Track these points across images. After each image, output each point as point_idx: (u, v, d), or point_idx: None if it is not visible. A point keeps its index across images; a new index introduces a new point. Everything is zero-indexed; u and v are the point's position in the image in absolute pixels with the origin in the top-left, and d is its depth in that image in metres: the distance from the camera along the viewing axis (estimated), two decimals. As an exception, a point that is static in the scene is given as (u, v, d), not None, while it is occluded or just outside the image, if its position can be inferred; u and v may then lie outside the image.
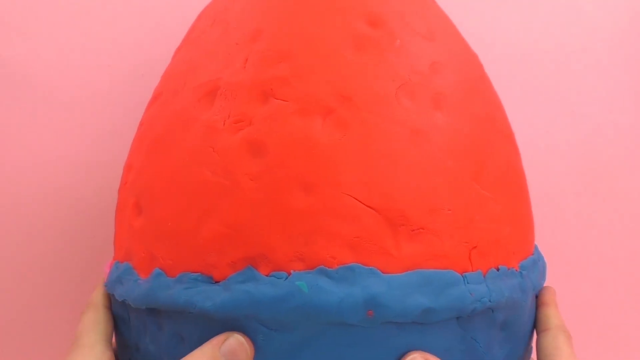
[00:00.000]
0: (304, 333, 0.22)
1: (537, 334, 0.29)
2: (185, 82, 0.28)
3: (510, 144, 0.29)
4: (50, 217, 0.43)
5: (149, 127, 0.29)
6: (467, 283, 0.23)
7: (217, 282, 0.23)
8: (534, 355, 0.31)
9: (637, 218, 0.48)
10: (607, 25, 0.46)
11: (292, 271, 0.22)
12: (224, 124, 0.25)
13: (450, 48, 0.28)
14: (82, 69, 0.42)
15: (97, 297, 0.29)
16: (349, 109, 0.24)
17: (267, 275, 0.22)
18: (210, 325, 0.24)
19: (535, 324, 0.29)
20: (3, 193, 0.42)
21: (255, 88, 0.25)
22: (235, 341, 0.23)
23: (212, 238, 0.23)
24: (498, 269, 0.25)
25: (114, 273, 0.28)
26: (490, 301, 0.24)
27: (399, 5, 0.27)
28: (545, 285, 0.30)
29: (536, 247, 0.31)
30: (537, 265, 0.29)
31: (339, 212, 0.23)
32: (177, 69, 0.30)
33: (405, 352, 0.23)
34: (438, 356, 0.24)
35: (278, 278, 0.22)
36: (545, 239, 0.36)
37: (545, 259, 0.32)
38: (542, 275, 0.30)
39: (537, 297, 0.30)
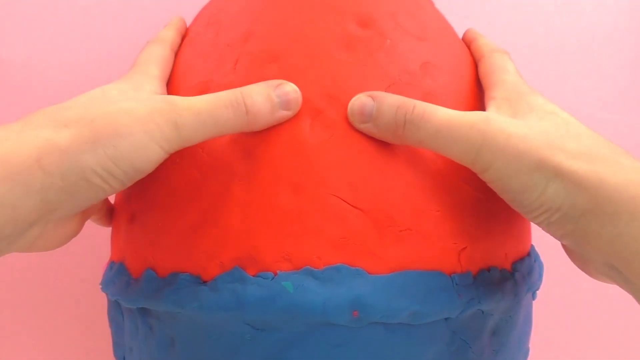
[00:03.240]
0: (290, 333, 0.23)
1: (478, 64, 0.29)
2: (180, 83, 0.28)
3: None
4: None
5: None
6: (456, 284, 0.23)
7: (205, 282, 0.23)
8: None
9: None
10: (607, 25, 0.45)
11: (278, 271, 0.22)
12: (213, 125, 0.25)
13: (444, 48, 0.28)
14: (81, 69, 0.42)
15: (168, 34, 0.29)
16: (337, 110, 0.24)
17: (254, 276, 0.22)
18: (199, 328, 0.24)
19: (474, 59, 0.30)
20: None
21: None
22: (291, 88, 0.23)
23: (200, 239, 0.24)
24: (489, 270, 0.25)
25: (108, 273, 0.28)
26: (480, 302, 0.24)
27: (391, 5, 0.27)
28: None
29: (533, 248, 0.30)
30: (532, 266, 0.28)
31: (325, 212, 0.23)
32: (173, 70, 0.30)
33: (393, 354, 0.23)
34: (427, 358, 0.24)
35: (264, 278, 0.22)
36: (544, 240, 0.36)
37: (544, 260, 0.32)
38: (539, 276, 0.29)
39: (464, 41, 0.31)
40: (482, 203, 0.25)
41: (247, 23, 0.27)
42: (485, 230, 0.25)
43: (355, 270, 0.22)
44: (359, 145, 0.23)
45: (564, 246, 0.25)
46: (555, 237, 0.23)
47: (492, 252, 0.25)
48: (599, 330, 0.47)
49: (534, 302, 0.31)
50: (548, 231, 0.23)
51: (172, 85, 0.29)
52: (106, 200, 0.28)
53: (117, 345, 0.29)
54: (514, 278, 0.26)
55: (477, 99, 0.28)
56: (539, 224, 0.23)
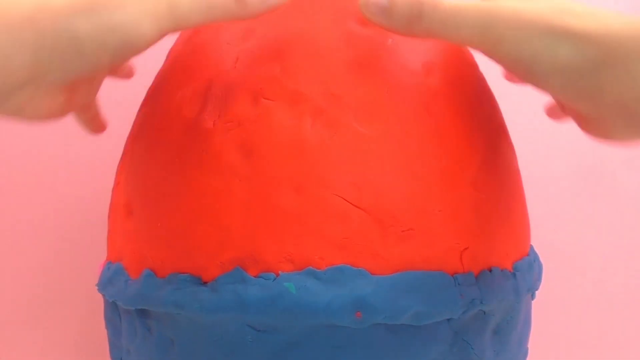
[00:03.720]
0: (292, 334, 0.22)
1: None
2: (178, 81, 0.28)
3: (505, 142, 0.29)
4: (49, 216, 0.43)
5: (142, 127, 0.29)
6: (458, 284, 0.23)
7: (205, 283, 0.23)
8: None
9: (636, 218, 0.47)
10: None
11: (280, 272, 0.22)
12: (213, 124, 0.24)
13: (444, 47, 0.28)
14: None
15: None
16: (339, 109, 0.24)
17: (255, 277, 0.22)
18: (199, 329, 0.23)
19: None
20: (2, 192, 0.42)
21: (245, 88, 0.25)
22: None
23: (201, 239, 0.23)
24: (490, 270, 0.25)
25: (105, 274, 0.28)
26: (482, 303, 0.24)
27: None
28: None
29: (532, 248, 0.30)
30: (532, 266, 0.28)
31: (328, 212, 0.22)
32: (171, 68, 0.30)
33: (396, 355, 0.23)
34: (430, 359, 0.24)
35: (266, 279, 0.22)
36: (542, 240, 0.36)
37: (543, 260, 0.32)
38: (538, 276, 0.29)
39: None
40: (484, 203, 0.25)
41: (247, 21, 0.27)
42: (487, 230, 0.25)
43: (358, 270, 0.22)
44: (361, 145, 0.23)
45: (579, 122, 0.25)
46: (573, 106, 0.23)
47: (494, 252, 0.25)
48: (597, 329, 0.47)
49: (533, 302, 0.31)
50: (565, 98, 0.23)
51: (171, 85, 0.28)
52: (96, 103, 0.29)
53: (114, 346, 0.29)
54: (515, 278, 0.26)
55: (479, 99, 0.28)
56: (556, 94, 0.23)
